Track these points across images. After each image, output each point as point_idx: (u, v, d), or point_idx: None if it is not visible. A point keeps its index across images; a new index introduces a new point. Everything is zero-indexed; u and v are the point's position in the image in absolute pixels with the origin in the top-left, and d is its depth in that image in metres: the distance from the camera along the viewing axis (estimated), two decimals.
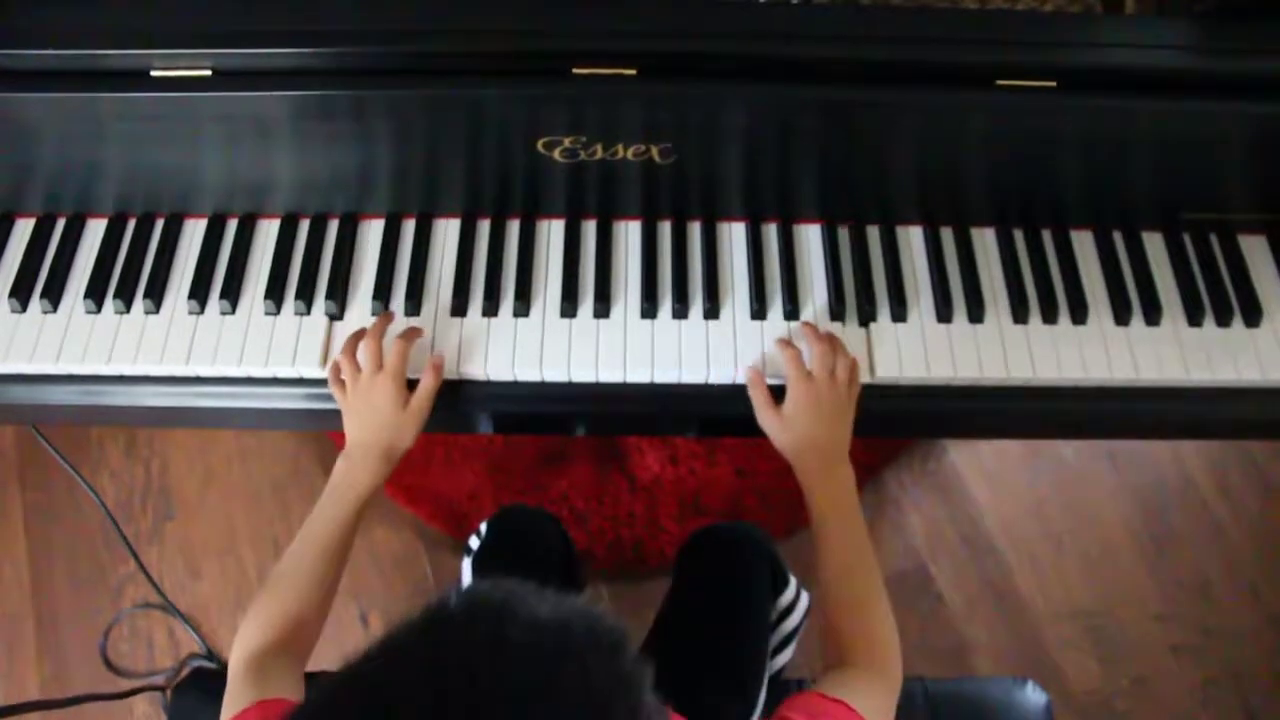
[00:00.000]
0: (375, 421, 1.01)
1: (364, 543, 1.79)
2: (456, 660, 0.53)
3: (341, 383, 1.04)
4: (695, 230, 1.16)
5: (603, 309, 1.11)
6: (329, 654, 1.09)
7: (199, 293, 1.11)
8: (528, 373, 1.08)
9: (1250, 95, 1.04)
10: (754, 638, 1.16)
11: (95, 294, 1.11)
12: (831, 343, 1.05)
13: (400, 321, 1.10)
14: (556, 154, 1.07)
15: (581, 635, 0.55)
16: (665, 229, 1.15)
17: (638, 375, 1.08)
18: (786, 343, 1.06)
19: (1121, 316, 1.11)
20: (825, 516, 0.99)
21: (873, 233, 1.16)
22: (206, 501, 1.90)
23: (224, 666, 1.74)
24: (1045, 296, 1.12)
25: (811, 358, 1.04)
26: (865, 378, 1.07)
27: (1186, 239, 1.16)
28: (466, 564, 1.25)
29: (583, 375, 1.08)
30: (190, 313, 1.11)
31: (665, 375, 1.08)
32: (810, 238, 1.16)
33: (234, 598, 1.81)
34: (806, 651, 1.31)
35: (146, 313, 1.11)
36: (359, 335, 1.05)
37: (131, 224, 1.15)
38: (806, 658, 1.38)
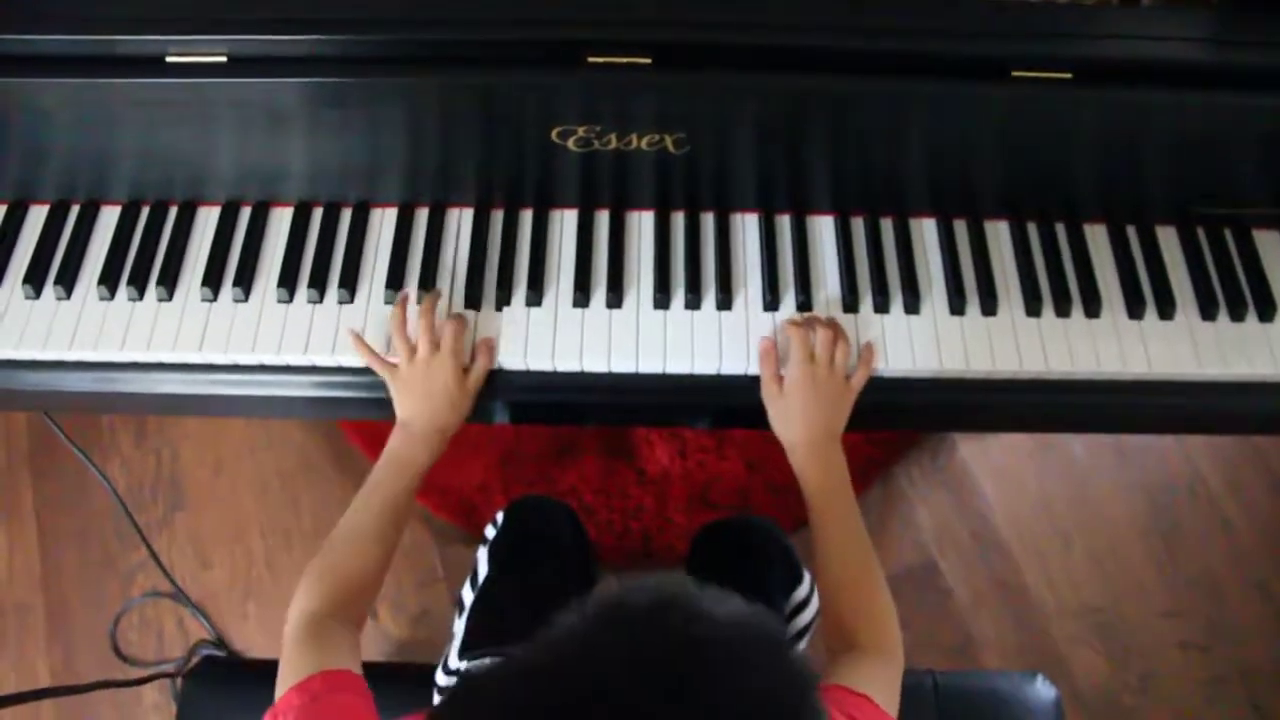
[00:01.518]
0: (437, 400, 1.03)
1: None
2: (655, 654, 0.54)
3: (387, 362, 1.05)
4: (708, 221, 1.15)
5: (615, 299, 1.11)
6: None
7: (212, 280, 1.11)
8: (540, 362, 1.08)
9: (1267, 88, 1.03)
10: None
11: (108, 281, 1.11)
12: (835, 329, 1.06)
13: (413, 310, 1.10)
14: (570, 143, 1.07)
15: (758, 632, 0.57)
16: (679, 220, 1.15)
17: (650, 365, 1.08)
18: (795, 324, 1.06)
19: (1135, 310, 1.11)
20: (817, 496, 1.00)
21: (886, 225, 1.16)
22: (217, 491, 1.90)
23: (233, 655, 1.77)
24: (1058, 289, 1.11)
25: (816, 342, 1.05)
26: (878, 369, 1.07)
27: (1200, 233, 1.16)
28: (482, 553, 1.25)
29: (595, 365, 1.08)
30: (203, 300, 1.11)
31: (678, 366, 1.08)
32: (823, 230, 1.16)
33: (243, 587, 1.82)
34: (818, 648, 1.31)
35: (159, 300, 1.11)
36: (403, 311, 1.06)
37: (145, 211, 1.16)
38: (818, 654, 1.37)
